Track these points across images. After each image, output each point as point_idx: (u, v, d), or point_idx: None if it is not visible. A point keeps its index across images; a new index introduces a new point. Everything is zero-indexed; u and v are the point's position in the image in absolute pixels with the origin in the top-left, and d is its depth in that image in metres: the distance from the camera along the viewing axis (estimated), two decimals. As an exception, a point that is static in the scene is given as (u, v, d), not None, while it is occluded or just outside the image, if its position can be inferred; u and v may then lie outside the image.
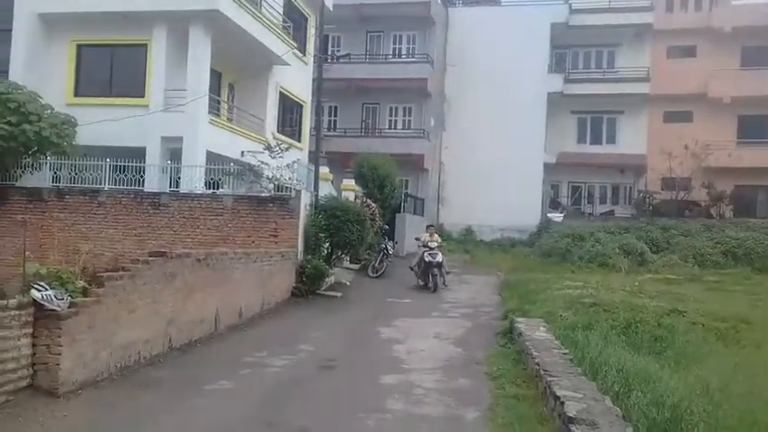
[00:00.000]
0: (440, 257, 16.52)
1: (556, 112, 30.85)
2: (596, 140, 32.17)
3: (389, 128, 30.55)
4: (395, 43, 30.87)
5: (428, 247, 16.75)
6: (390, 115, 30.76)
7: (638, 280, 16.61)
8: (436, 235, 17.67)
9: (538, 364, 7.68)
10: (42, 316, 6.72)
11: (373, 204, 19.34)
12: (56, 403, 6.58)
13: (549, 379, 6.82)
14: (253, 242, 14.49)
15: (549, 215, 29.15)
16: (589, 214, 30.98)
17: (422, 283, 16.65)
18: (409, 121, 30.49)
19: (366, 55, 30.47)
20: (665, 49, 32.46)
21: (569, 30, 30.98)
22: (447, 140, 31.02)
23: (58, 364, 6.71)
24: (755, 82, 30.66)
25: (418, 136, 29.34)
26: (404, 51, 30.86)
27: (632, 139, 31.18)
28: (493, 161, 28.94)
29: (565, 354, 8.36)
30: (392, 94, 29.58)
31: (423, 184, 29.89)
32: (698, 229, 25.13)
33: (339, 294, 15.18)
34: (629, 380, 7.33)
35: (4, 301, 6.44)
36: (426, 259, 16.47)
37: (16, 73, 16.90)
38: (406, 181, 28.50)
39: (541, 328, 10.19)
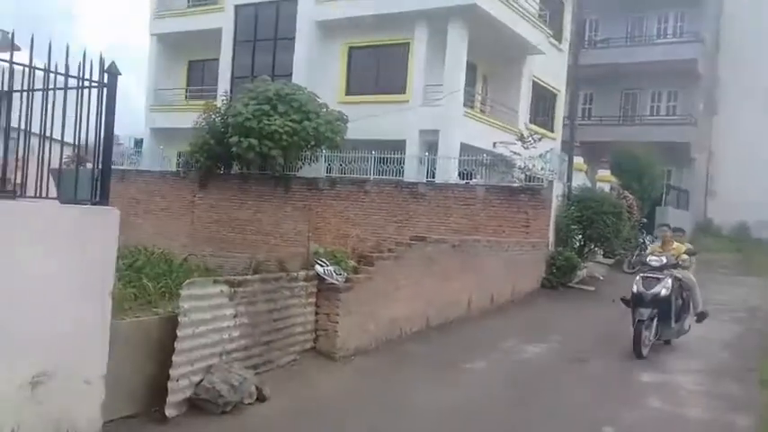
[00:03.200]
0: (665, 288, 8.80)
1: None
2: None
3: (651, 114, 28.61)
4: (660, 23, 28.85)
5: (648, 264, 9.33)
6: (652, 101, 28.90)
7: None
8: (678, 244, 9.74)
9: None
10: (323, 288, 7.67)
11: (630, 196, 18.37)
12: (333, 366, 7.48)
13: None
14: (504, 231, 14.71)
15: None
16: None
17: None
18: (673, 106, 28.31)
19: (627, 38, 28.85)
20: None
21: None
22: (718, 127, 28.06)
23: (336, 332, 7.62)
24: None
25: (684, 122, 27.09)
26: (670, 31, 28.66)
27: None
28: (775, 150, 25.52)
29: None
30: (655, 78, 27.63)
31: (688, 175, 27.61)
32: None
33: (592, 288, 14.74)
34: None
35: (296, 274, 7.50)
36: (634, 289, 9.03)
37: (298, 75, 19.21)
38: (669, 171, 26.49)
39: (834, 338, 8.87)
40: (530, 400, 6.75)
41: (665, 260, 9.15)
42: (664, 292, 8.76)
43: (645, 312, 8.64)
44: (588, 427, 5.99)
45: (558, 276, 14.43)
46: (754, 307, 13.49)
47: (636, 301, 8.91)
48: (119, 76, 5.06)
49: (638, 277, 9.24)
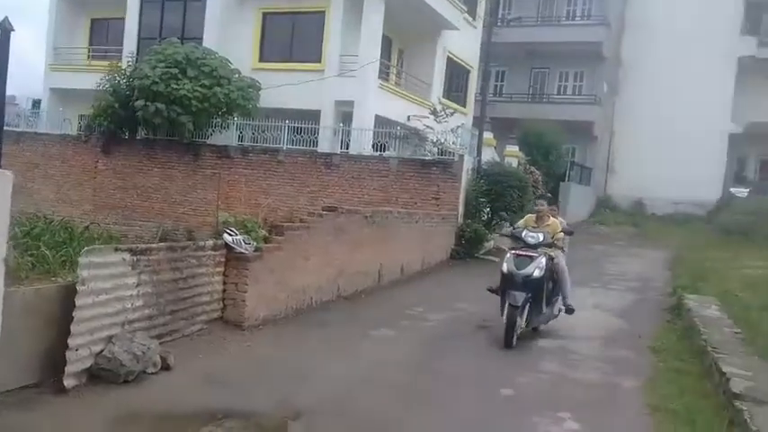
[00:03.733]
0: (538, 268, 7.88)
1: (747, 78, 28.00)
2: (795, 110, 28.88)
3: (558, 93, 29.69)
4: (569, 5, 29.83)
5: (523, 240, 8.26)
6: (560, 80, 29.97)
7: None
8: (554, 220, 8.86)
9: (705, 341, 7.38)
10: (232, 258, 7.58)
11: (536, 171, 19.14)
12: (241, 334, 7.44)
13: (715, 355, 6.57)
14: (415, 204, 14.97)
15: (731, 190, 26.92)
16: (781, 191, 28.06)
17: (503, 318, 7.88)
18: (580, 86, 29.49)
19: (538, 18, 29.65)
20: None
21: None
22: (620, 107, 29.57)
23: (244, 301, 7.58)
24: None
25: (589, 102, 28.35)
26: (578, 13, 29.69)
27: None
28: (671, 130, 27.23)
29: (737, 333, 7.93)
30: (563, 58, 28.69)
31: (591, 152, 29.03)
32: None
33: (497, 259, 15.25)
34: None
35: (203, 242, 7.38)
36: (504, 269, 8.09)
37: (210, 39, 18.56)
38: (574, 149, 27.78)
39: (713, 307, 9.66)
40: (435, 366, 6.98)
41: (542, 238, 8.15)
42: (537, 273, 7.82)
43: (519, 297, 7.67)
44: (488, 389, 6.27)
45: (467, 248, 14.92)
46: (647, 278, 14.40)
47: (506, 283, 7.92)
48: (12, 33, 4.77)
49: (508, 254, 8.23)
